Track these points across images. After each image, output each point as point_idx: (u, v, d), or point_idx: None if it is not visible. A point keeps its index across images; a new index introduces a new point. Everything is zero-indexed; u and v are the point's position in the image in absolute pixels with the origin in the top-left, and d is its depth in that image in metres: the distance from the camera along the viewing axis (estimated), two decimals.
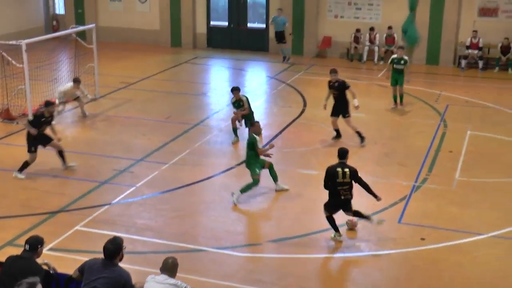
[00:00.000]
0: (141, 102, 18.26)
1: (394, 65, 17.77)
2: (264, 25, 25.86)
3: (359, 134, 14.96)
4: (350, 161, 10.60)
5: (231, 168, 13.33)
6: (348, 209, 10.18)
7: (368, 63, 23.79)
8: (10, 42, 16.18)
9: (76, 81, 16.66)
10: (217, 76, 22.78)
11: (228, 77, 22.66)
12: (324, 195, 11.50)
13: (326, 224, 10.58)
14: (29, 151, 12.40)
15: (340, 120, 14.99)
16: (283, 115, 17.21)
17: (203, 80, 21.88)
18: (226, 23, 26.35)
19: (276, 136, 15.52)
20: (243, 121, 14.99)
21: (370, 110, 17.51)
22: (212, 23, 26.42)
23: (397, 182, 12.68)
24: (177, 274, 6.69)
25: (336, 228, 10.20)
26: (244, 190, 11.63)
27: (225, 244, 10.08)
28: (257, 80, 21.94)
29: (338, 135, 15.16)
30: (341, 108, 14.96)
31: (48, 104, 12.84)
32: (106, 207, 11.35)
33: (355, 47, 24.12)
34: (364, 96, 19.13)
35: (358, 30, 23.93)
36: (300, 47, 24.91)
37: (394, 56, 18.10)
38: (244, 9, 26.11)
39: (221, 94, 19.41)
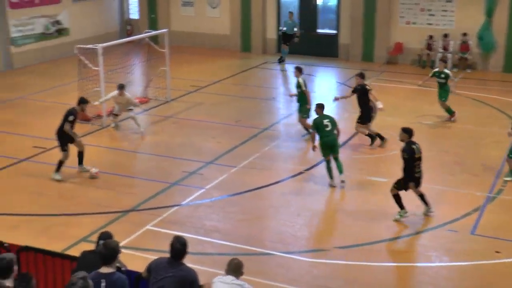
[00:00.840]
0: (211, 105, 18.48)
1: (437, 79, 17.17)
2: (335, 31, 25.73)
3: (372, 136, 15.03)
4: (424, 169, 10.43)
5: (300, 173, 13.31)
6: (419, 185, 10.95)
7: None
8: (87, 46, 16.70)
9: (121, 87, 15.82)
10: (286, 81, 22.81)
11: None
12: (393, 202, 11.33)
13: (395, 233, 10.43)
14: (63, 150, 12.73)
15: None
16: (352, 122, 17.04)
17: (272, 85, 21.95)
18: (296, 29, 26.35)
19: (346, 142, 15.40)
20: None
21: (442, 118, 17.15)
22: (282, 28, 26.47)
23: (470, 192, 12.34)
24: (244, 276, 6.73)
25: (402, 206, 10.82)
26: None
27: (292, 248, 10.07)
28: (326, 86, 21.84)
29: (381, 137, 15.13)
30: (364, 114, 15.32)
31: (84, 101, 13.29)
32: (175, 208, 11.54)
33: (428, 54, 23.67)
34: (436, 104, 18.77)
35: (431, 37, 23.48)
36: (370, 53, 24.66)
37: (436, 69, 17.46)
38: (314, 15, 26.06)
39: (290, 99, 19.41)
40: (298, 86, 15.73)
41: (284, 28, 24.76)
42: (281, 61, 24.56)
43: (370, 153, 14.57)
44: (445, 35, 23.27)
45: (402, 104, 18.71)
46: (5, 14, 22.55)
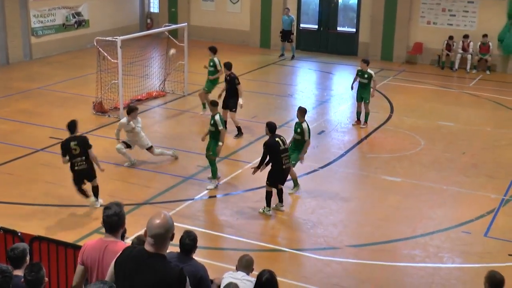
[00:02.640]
0: None
1: (359, 78, 16.46)
2: (354, 29, 25.63)
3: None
4: (440, 170, 10.36)
5: (315, 170, 13.28)
6: (285, 179, 11.26)
7: (460, 71, 23.12)
8: (107, 38, 16.78)
9: (133, 109, 13.19)
10: (304, 79, 22.76)
11: (315, 80, 22.61)
12: (407, 202, 11.29)
13: (407, 233, 10.39)
14: (94, 177, 11.56)
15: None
16: (369, 121, 16.98)
17: (290, 82, 21.91)
18: (316, 26, 26.29)
19: (362, 141, 15.35)
20: None
21: (460, 120, 17.04)
22: (302, 25, 26.43)
23: (485, 194, 12.25)
24: (254, 272, 6.73)
25: (269, 204, 11.08)
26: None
27: (304, 246, 10.06)
28: (344, 84, 21.74)
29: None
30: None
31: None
32: (189, 202, 11.58)
33: (447, 55, 23.49)
34: (454, 105, 18.66)
35: (451, 37, 23.29)
36: (389, 53, 24.53)
37: (359, 68, 16.67)
38: (334, 13, 25.97)
39: (308, 96, 19.39)
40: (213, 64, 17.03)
41: (283, 25, 24.62)
42: (292, 58, 24.56)
43: (386, 152, 14.51)
44: (465, 36, 23.07)
45: (420, 104, 18.60)
46: (26, 4, 22.72)
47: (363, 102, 16.40)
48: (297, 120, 12.27)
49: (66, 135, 11.13)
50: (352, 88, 17.00)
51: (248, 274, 6.63)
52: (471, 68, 23.05)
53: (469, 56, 22.99)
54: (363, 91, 16.35)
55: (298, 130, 12.10)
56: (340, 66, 24.09)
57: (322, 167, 13.38)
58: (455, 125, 16.56)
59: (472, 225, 10.81)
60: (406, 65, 23.96)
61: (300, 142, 12.08)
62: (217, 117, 12.10)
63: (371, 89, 16.40)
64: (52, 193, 11.86)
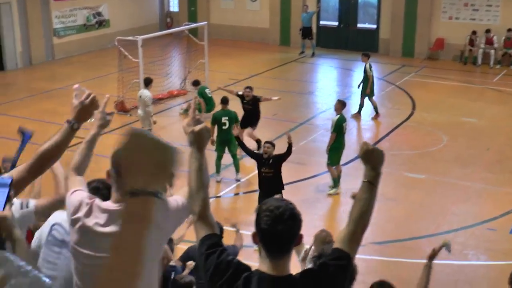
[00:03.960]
0: None
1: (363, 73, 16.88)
2: (374, 26, 25.47)
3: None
4: (464, 166, 10.25)
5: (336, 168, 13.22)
6: None
7: (483, 66, 22.86)
8: (128, 38, 16.87)
9: (151, 80, 14.98)
10: (325, 76, 22.68)
11: (336, 77, 22.52)
12: (431, 199, 11.21)
13: (431, 230, 10.30)
14: None
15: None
16: (391, 117, 16.88)
17: (310, 79, 21.85)
18: (336, 23, 26.18)
19: (383, 137, 15.25)
20: None
21: (484, 116, 16.85)
22: (321, 22, 26.32)
23: (510, 191, 12.10)
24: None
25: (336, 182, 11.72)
26: None
27: None
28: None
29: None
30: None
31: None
32: (211, 200, 11.56)
33: (470, 50, 23.24)
34: (478, 100, 18.47)
35: (474, 32, 23.03)
36: (411, 49, 24.33)
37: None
38: (354, 9, 25.83)
39: (328, 94, 19.31)
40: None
41: (303, 22, 24.53)
42: (312, 55, 24.47)
43: (409, 149, 14.40)
44: (488, 31, 22.79)
45: (443, 100, 18.43)
46: (48, 5, 22.92)
47: (365, 96, 16.74)
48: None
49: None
50: (358, 86, 17.10)
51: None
52: (494, 63, 22.78)
53: (492, 51, 22.72)
54: (364, 85, 16.76)
55: (331, 123, 12.18)
56: (360, 63, 23.88)
57: (344, 164, 13.30)
58: (478, 121, 16.38)
59: (497, 222, 10.69)
60: (428, 61, 23.76)
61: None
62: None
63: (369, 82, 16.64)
64: None
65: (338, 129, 12.03)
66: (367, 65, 16.74)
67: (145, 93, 14.41)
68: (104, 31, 25.33)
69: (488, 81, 20.99)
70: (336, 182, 12.04)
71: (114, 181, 3.45)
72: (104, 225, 3.41)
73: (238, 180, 12.58)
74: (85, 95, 3.65)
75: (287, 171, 12.85)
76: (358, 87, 17.10)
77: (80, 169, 3.84)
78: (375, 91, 17.06)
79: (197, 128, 3.18)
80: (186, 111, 16.36)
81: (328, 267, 2.92)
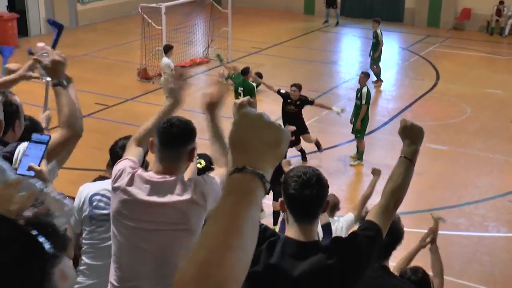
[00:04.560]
0: (271, 67, 18.40)
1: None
2: None
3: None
4: (487, 138, 10.17)
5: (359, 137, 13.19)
6: None
7: (510, 37, 22.48)
8: (151, 5, 16.84)
9: (170, 47, 14.83)
10: (348, 45, 22.48)
11: (359, 47, 22.30)
12: (453, 171, 11.17)
13: (452, 201, 10.28)
14: None
15: None
16: (414, 88, 16.73)
17: (333, 49, 21.69)
18: None
19: (406, 108, 15.15)
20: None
21: (509, 87, 16.61)
22: None
23: None
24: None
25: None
26: None
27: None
28: (389, 51, 21.36)
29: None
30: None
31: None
32: None
33: (497, 20, 22.84)
34: (503, 72, 18.22)
35: (501, 2, 22.62)
36: (436, 19, 23.97)
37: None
38: None
39: (352, 63, 19.17)
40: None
41: None
42: (337, 24, 24.26)
43: (432, 120, 14.29)
44: None
45: (468, 72, 18.20)
46: None
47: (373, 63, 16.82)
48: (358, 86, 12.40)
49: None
50: (369, 54, 17.17)
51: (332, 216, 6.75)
52: None
53: (510, 21, 22.28)
54: (373, 51, 16.82)
55: (359, 94, 12.12)
56: (385, 33, 23.61)
57: (366, 135, 13.26)
58: (503, 92, 16.17)
59: None
60: (454, 31, 23.41)
61: (361, 108, 12.02)
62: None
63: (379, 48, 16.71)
64: (98, 158, 12.07)
65: (369, 101, 12.03)
66: (379, 31, 16.78)
67: (163, 60, 14.45)
68: None
69: None
70: (361, 155, 12.02)
71: (157, 151, 3.48)
72: (146, 195, 3.43)
73: None
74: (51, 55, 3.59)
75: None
76: (369, 55, 17.02)
77: (142, 141, 3.79)
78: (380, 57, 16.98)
79: (240, 101, 3.15)
80: (227, 78, 16.32)
81: (356, 237, 2.94)
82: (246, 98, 3.22)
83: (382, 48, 16.81)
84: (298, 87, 11.83)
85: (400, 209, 10.75)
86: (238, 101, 3.16)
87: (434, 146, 12.73)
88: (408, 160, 3.23)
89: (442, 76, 17.67)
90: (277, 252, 2.84)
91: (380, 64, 16.90)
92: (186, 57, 18.64)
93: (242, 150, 1.40)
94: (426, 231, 5.89)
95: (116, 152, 4.42)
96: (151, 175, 3.48)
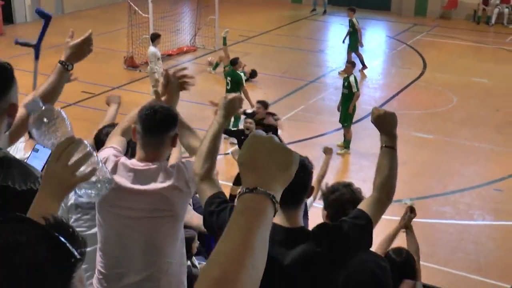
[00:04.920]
0: (258, 56, 18.38)
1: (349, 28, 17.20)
2: None
3: None
4: (473, 127, 10.22)
5: (345, 126, 13.22)
6: None
7: (497, 26, 22.58)
8: None
9: (158, 36, 14.58)
10: (336, 34, 22.45)
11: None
12: (438, 159, 11.22)
13: (438, 189, 10.34)
14: None
15: None
16: (401, 77, 16.78)
17: (321, 37, 21.67)
18: None
19: (393, 97, 15.19)
20: None
21: (495, 76, 16.70)
22: None
23: None
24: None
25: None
26: None
27: None
28: (376, 40, 21.43)
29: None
30: None
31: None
32: (220, 156, 11.62)
33: (484, 9, 22.92)
34: (490, 61, 18.31)
35: None
36: (423, 7, 24.02)
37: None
38: None
39: (339, 52, 19.16)
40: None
41: None
42: (324, 13, 24.27)
43: (418, 109, 14.35)
44: None
45: (454, 60, 18.28)
46: None
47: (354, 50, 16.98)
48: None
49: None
50: (343, 41, 17.37)
51: None
52: (508, 22, 22.48)
53: (506, 10, 22.39)
54: (350, 39, 16.97)
55: (346, 83, 12.13)
56: (372, 22, 23.68)
57: (353, 123, 13.29)
58: (490, 81, 16.26)
59: (504, 183, 10.71)
60: (440, 20, 23.47)
61: (348, 96, 12.04)
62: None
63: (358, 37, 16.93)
64: None
65: (358, 88, 12.13)
66: (354, 19, 16.98)
67: (150, 49, 14.36)
68: None
69: (501, 41, 20.75)
70: (348, 143, 12.07)
71: (140, 138, 3.47)
72: (130, 183, 3.43)
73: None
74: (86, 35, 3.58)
75: (295, 129, 12.89)
76: (343, 42, 17.23)
77: (126, 132, 3.72)
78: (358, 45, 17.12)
79: (231, 96, 3.22)
80: (215, 67, 16.29)
81: (345, 224, 2.95)
82: (237, 95, 3.28)
83: (355, 35, 17.00)
84: (264, 104, 10.79)
85: None
86: (229, 95, 3.23)
87: (420, 134, 12.80)
88: (390, 149, 3.21)
89: (429, 65, 17.73)
90: None
91: (361, 51, 17.02)
92: (173, 46, 18.56)
93: (253, 171, 1.45)
94: (416, 220, 5.89)
95: (101, 140, 4.40)
96: (134, 162, 3.48)
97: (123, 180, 3.43)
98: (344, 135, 12.18)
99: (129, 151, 3.91)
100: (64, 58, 3.44)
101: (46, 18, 4.67)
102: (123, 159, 3.50)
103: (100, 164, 1.97)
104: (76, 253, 1.30)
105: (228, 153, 11.34)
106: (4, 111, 2.53)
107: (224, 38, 16.11)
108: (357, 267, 3.34)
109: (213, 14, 19.00)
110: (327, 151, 7.53)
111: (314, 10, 24.42)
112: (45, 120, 1.99)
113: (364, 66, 16.87)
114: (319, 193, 6.63)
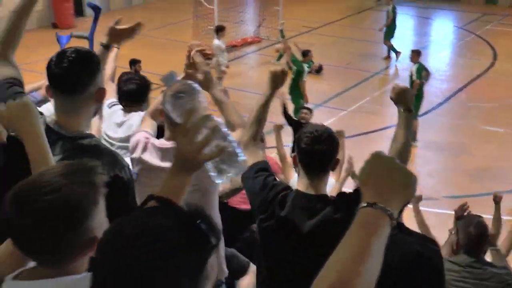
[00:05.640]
0: (322, 47, 18.24)
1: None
2: None
3: None
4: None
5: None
6: None
7: None
8: None
9: (222, 28, 14.46)
10: (402, 24, 22.01)
11: (413, 26, 21.88)
12: (508, 153, 10.91)
13: (506, 186, 10.06)
14: None
15: None
16: (469, 68, 16.35)
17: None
18: None
19: (461, 89, 14.83)
20: None
21: None
22: None
23: None
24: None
25: None
26: None
27: None
28: (443, 30, 20.96)
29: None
30: None
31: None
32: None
33: None
34: None
35: None
36: None
37: None
38: None
39: (405, 43, 18.81)
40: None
41: None
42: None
43: (487, 101, 13.95)
44: None
45: None
46: None
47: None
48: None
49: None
50: (380, 29, 17.57)
51: None
52: None
53: None
54: (386, 28, 17.21)
55: (410, 72, 12.00)
56: (441, 12, 23.16)
57: (420, 116, 13.05)
58: None
59: None
60: None
61: (411, 85, 11.90)
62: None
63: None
64: None
65: (420, 77, 11.88)
66: (390, 7, 17.19)
67: (214, 42, 14.38)
68: None
69: None
70: (414, 135, 11.86)
71: (167, 119, 3.51)
72: (160, 161, 3.55)
73: None
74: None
75: (360, 121, 12.75)
76: (380, 30, 17.50)
77: (155, 115, 3.83)
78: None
79: (274, 69, 3.36)
80: (279, 58, 16.30)
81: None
82: (280, 68, 3.41)
83: (392, 24, 17.15)
84: (310, 110, 10.50)
85: (453, 192, 10.66)
86: (274, 68, 3.38)
87: (489, 128, 12.45)
88: (407, 113, 3.36)
89: (499, 56, 17.21)
90: (288, 205, 3.01)
91: (392, 40, 17.18)
92: (237, 36, 18.64)
93: (374, 187, 1.54)
94: (480, 214, 5.74)
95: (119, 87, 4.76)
96: (162, 142, 3.59)
97: (153, 159, 3.56)
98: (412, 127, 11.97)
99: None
100: (106, 42, 3.64)
101: (96, 11, 4.91)
102: (152, 140, 3.63)
103: (231, 142, 1.92)
104: (212, 240, 1.41)
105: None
106: (92, 96, 2.65)
107: (281, 31, 16.05)
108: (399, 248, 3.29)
109: (277, 5, 18.97)
110: (339, 134, 7.38)
111: (380, 0, 24.02)
112: (180, 94, 2.02)
113: (389, 56, 17.18)
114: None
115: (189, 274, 1.38)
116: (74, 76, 2.61)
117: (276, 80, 3.34)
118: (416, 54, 12.29)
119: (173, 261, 1.35)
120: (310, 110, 10.54)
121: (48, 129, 2.69)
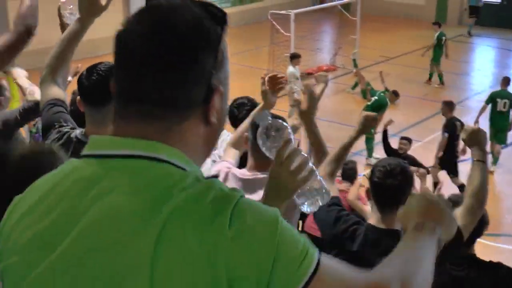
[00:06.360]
0: (398, 77, 18.02)
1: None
2: None
3: None
4: None
5: (505, 146, 12.64)
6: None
7: None
8: (281, 12, 17.07)
9: (297, 56, 14.80)
10: (483, 56, 21.58)
11: (494, 57, 21.36)
12: None
13: None
14: None
15: None
16: None
17: (466, 59, 20.89)
18: (499, 0, 24.76)
19: None
20: None
21: None
22: None
23: None
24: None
25: None
26: None
27: (499, 231, 9.61)
28: None
29: None
30: None
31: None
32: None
33: None
34: None
35: None
36: None
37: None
38: None
39: (485, 75, 18.39)
40: None
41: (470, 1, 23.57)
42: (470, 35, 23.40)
43: None
44: None
45: None
46: None
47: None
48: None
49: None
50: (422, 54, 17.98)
51: None
52: None
53: None
54: (433, 53, 17.42)
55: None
56: None
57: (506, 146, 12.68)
58: None
59: None
60: None
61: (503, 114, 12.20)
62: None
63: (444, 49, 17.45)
64: None
65: (491, 102, 12.26)
66: (437, 34, 17.54)
67: (289, 69, 14.52)
68: (258, 4, 25.75)
69: None
70: (496, 160, 11.65)
71: (251, 147, 3.50)
72: None
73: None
74: None
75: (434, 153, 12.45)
76: (423, 55, 17.76)
77: (238, 144, 3.85)
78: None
79: (367, 114, 3.47)
80: (354, 87, 16.29)
81: None
82: (373, 114, 3.53)
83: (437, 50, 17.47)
84: (409, 140, 10.73)
85: None
86: (366, 114, 3.47)
87: None
88: (482, 162, 3.26)
89: None
90: (359, 239, 3.05)
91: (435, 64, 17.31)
92: (313, 64, 18.68)
93: (432, 218, 1.65)
94: None
95: (232, 110, 4.89)
96: (243, 172, 3.56)
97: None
98: (492, 150, 11.68)
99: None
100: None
101: None
102: (234, 170, 3.61)
103: (316, 174, 2.07)
104: (222, 15, 1.52)
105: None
106: None
107: (354, 60, 16.04)
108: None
109: (353, 34, 18.92)
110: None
111: (469, 34, 23.47)
112: (272, 133, 2.17)
113: (430, 80, 17.42)
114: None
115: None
116: (102, 88, 2.60)
117: (367, 124, 3.40)
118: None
119: (192, 31, 1.41)
120: (409, 140, 10.50)
121: (78, 141, 2.78)
